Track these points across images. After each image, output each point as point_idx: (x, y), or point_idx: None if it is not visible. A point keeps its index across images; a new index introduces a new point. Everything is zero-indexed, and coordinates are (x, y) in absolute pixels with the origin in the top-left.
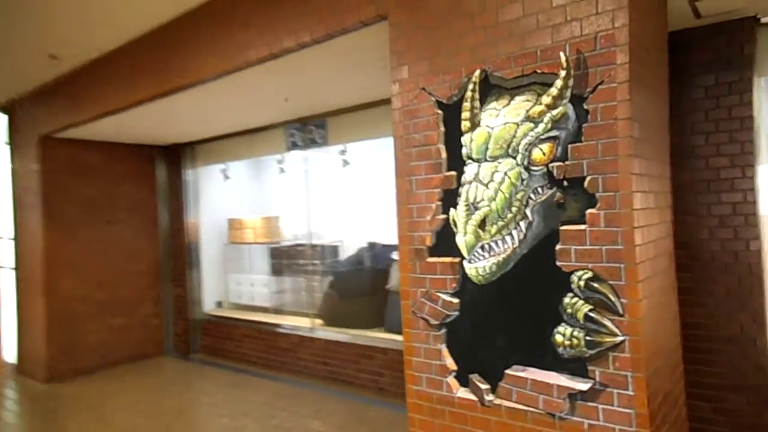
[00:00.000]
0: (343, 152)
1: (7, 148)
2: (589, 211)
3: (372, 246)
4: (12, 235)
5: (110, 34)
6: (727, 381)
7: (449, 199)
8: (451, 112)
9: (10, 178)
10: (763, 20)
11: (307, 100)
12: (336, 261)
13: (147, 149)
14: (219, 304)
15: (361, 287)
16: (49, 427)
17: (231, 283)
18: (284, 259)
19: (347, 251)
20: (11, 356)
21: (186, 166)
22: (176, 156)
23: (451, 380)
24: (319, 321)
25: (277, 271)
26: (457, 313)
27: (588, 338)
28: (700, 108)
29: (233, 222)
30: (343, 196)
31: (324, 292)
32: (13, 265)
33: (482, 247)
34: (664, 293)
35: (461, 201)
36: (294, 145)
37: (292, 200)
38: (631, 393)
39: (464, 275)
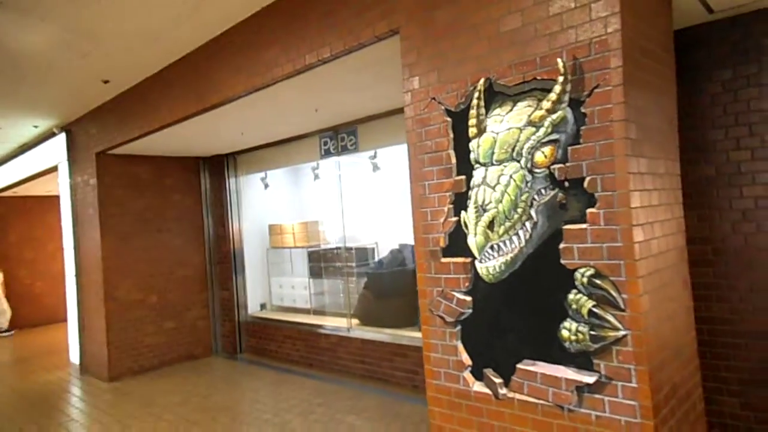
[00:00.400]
0: (373, 157)
1: (68, 165)
2: (589, 210)
3: (403, 247)
4: (72, 244)
5: (153, 57)
6: (756, 377)
7: (460, 202)
8: (459, 120)
9: (69, 192)
10: None
11: (336, 109)
12: (370, 263)
13: (192, 161)
14: (263, 306)
15: (394, 288)
16: (110, 420)
17: (274, 285)
18: (322, 262)
19: (382, 253)
20: (76, 357)
21: (228, 176)
22: (219, 166)
23: (467, 375)
24: (355, 321)
25: (315, 273)
26: (470, 310)
27: (592, 333)
28: (719, 102)
29: (274, 227)
30: (375, 199)
31: (360, 293)
32: (74, 273)
33: (492, 247)
34: (673, 288)
35: (471, 204)
36: (327, 153)
37: (327, 205)
38: (634, 385)
39: (476, 274)
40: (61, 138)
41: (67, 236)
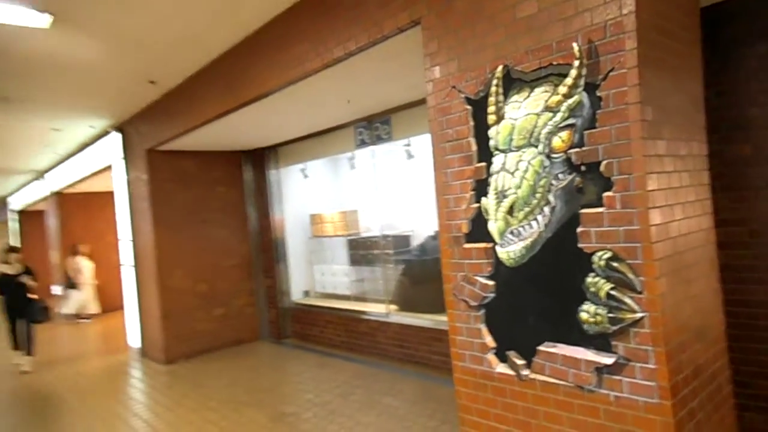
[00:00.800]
0: (407, 146)
1: (123, 162)
2: (605, 194)
3: (437, 234)
4: (130, 236)
5: (193, 58)
6: None
7: (481, 188)
8: (478, 107)
9: (126, 188)
10: None
11: (369, 100)
12: (407, 250)
13: (235, 154)
14: (306, 293)
15: (430, 273)
16: (167, 399)
17: (316, 273)
18: (361, 250)
19: (418, 240)
20: (137, 341)
21: (270, 168)
22: (261, 159)
23: (491, 357)
24: (393, 306)
25: (355, 261)
26: (493, 294)
27: (610, 315)
28: (755, 78)
29: (314, 217)
30: (410, 186)
31: (397, 279)
32: (132, 263)
33: (512, 232)
34: (697, 270)
35: (491, 190)
36: (362, 143)
37: (364, 194)
38: (652, 366)
39: (497, 259)
40: (115, 137)
41: (124, 229)
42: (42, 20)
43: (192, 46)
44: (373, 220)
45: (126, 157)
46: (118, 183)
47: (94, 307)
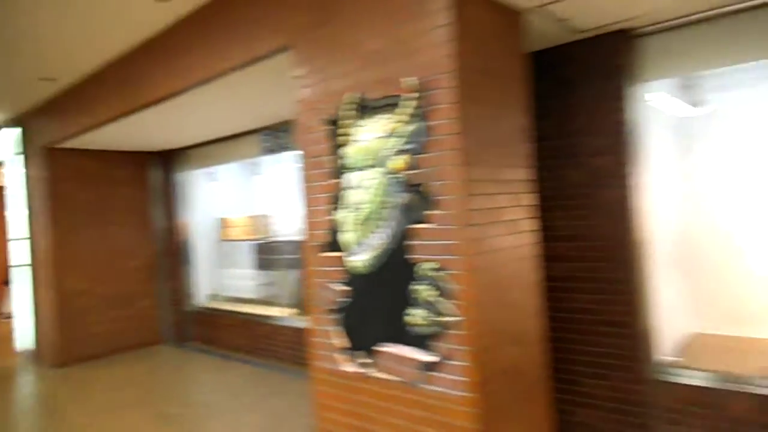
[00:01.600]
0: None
1: (22, 157)
2: (430, 212)
3: None
4: (27, 235)
5: (90, 58)
6: (614, 361)
7: (337, 202)
8: (336, 129)
9: (24, 185)
10: (643, 31)
11: (267, 110)
12: None
13: (141, 155)
14: (213, 297)
15: None
16: (50, 404)
17: (224, 277)
18: (266, 254)
19: None
20: (30, 343)
21: (178, 170)
22: (169, 161)
23: (343, 356)
24: (290, 310)
25: (261, 265)
26: (345, 299)
27: (432, 318)
28: (582, 113)
29: (223, 221)
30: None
31: (295, 283)
32: (29, 263)
33: (361, 244)
34: (515, 281)
35: (345, 204)
36: (267, 150)
37: (271, 200)
38: (465, 364)
39: (350, 267)
40: (11, 131)
41: (17, 228)
42: None
43: (88, 46)
44: (278, 225)
45: (25, 153)
46: (10, 179)
47: None
